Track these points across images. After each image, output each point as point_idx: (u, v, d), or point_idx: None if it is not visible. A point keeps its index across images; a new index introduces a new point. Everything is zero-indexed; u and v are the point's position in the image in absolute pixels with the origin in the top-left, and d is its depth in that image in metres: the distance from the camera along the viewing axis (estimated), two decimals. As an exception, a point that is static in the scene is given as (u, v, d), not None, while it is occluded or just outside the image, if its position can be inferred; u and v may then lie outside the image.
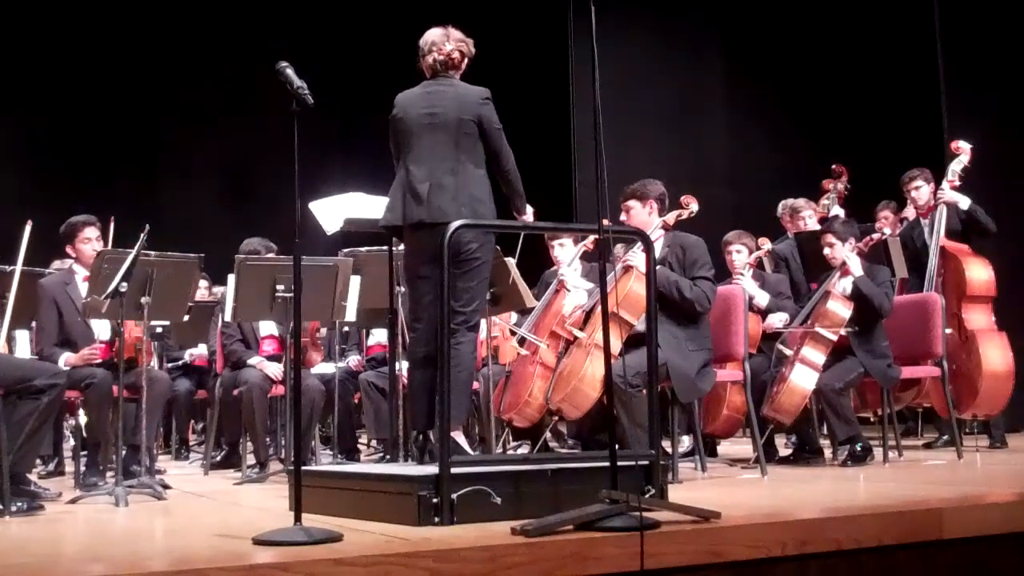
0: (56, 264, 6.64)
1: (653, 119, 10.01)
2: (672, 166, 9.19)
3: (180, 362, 7.73)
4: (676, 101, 10.23)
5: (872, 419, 6.65)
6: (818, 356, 5.53)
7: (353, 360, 7.26)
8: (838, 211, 7.42)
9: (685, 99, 10.28)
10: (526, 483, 3.50)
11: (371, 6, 11.16)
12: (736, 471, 5.63)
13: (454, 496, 3.34)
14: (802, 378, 5.49)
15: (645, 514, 3.07)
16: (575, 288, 5.68)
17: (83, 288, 5.30)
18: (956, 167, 6.62)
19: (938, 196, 6.65)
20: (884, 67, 9.36)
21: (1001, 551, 3.49)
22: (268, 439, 6.32)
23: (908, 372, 5.94)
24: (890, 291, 5.78)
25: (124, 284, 4.77)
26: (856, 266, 5.73)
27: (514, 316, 6.58)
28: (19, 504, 4.20)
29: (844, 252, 5.77)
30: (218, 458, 6.83)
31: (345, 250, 6.01)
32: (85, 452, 5.73)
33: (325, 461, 6.80)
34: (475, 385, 5.39)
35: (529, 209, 4.59)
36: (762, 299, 6.31)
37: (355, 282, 5.76)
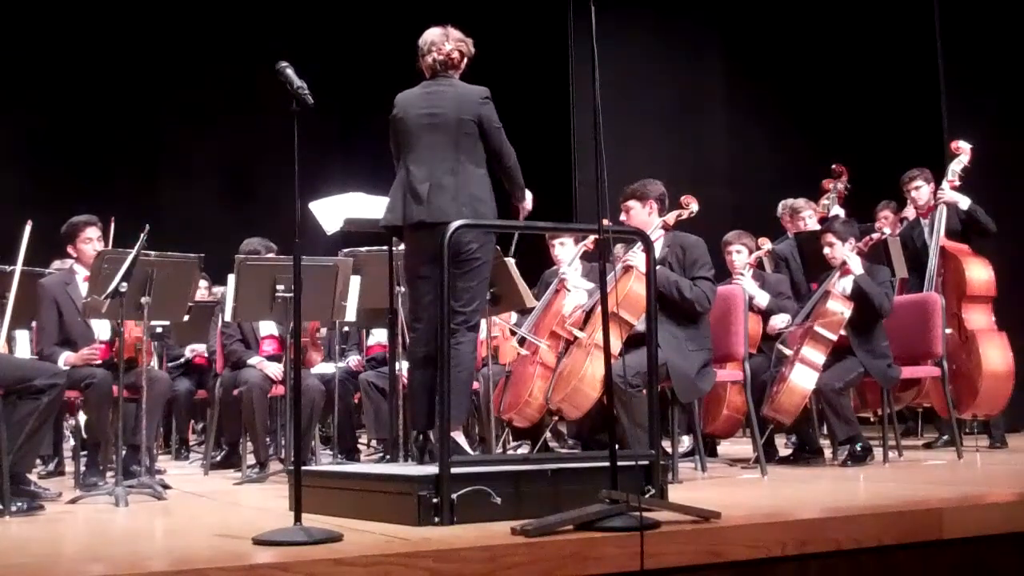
0: (56, 264, 6.64)
1: (653, 119, 10.01)
2: (672, 166, 9.19)
3: (182, 360, 7.73)
4: (676, 101, 10.23)
5: (872, 419, 6.66)
6: (818, 356, 5.53)
7: (353, 360, 7.26)
8: (838, 211, 7.42)
9: (685, 99, 10.28)
10: (526, 483, 3.50)
11: (371, 6, 11.16)
12: (736, 471, 5.63)
13: (454, 496, 3.34)
14: (802, 378, 5.49)
15: (645, 514, 3.07)
16: (575, 288, 5.68)
17: (84, 288, 5.30)
18: (956, 167, 6.62)
19: (938, 196, 6.65)
20: (884, 67, 9.36)
21: (1001, 551, 3.49)
22: (268, 439, 6.32)
23: (908, 372, 5.94)
24: (890, 291, 5.78)
25: (124, 284, 4.77)
26: (856, 265, 5.73)
27: (514, 316, 6.58)
28: (19, 504, 4.20)
29: (844, 252, 5.78)
30: (218, 458, 6.83)
31: (345, 250, 6.01)
32: (85, 452, 5.73)
33: (325, 461, 6.80)
34: (475, 385, 5.39)
35: (528, 195, 4.58)
36: (762, 299, 6.31)
37: (355, 282, 5.76)
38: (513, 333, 6.10)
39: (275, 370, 6.11)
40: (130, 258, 4.81)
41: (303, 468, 3.55)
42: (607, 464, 3.30)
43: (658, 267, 4.68)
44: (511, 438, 6.79)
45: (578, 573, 2.90)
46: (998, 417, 6.54)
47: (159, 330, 7.00)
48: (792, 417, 5.56)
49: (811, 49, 9.68)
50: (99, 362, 5.34)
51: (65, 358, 5.28)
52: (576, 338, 5.13)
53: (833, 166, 7.64)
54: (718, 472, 5.55)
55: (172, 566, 2.71)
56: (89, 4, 10.66)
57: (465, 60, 4.49)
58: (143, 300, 4.99)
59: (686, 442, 6.20)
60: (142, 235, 4.82)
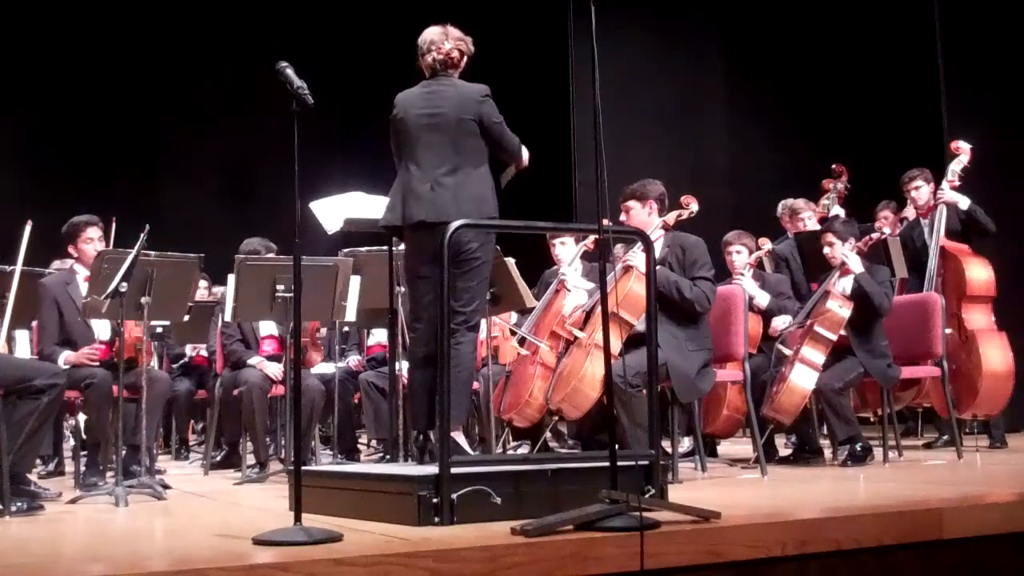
0: (56, 264, 6.64)
1: (653, 119, 10.01)
2: (672, 166, 9.19)
3: (184, 360, 7.73)
4: (676, 101, 10.23)
5: (872, 419, 6.65)
6: (818, 356, 5.53)
7: (353, 360, 7.26)
8: (838, 211, 7.42)
9: (685, 99, 10.28)
10: (526, 483, 3.50)
11: (371, 6, 11.16)
12: (736, 471, 5.63)
13: (454, 496, 3.34)
14: (802, 378, 5.49)
15: (645, 514, 3.07)
16: (575, 288, 5.68)
17: (84, 288, 5.30)
18: (956, 167, 6.62)
19: (938, 196, 6.65)
20: (884, 67, 9.36)
21: (1001, 551, 3.49)
22: (268, 439, 6.32)
23: (908, 372, 5.94)
24: (890, 290, 5.78)
25: (124, 284, 4.77)
26: (856, 264, 5.73)
27: (514, 316, 6.59)
28: (19, 504, 4.20)
29: (843, 251, 5.77)
30: (218, 458, 6.83)
31: (345, 250, 6.01)
32: (85, 452, 5.73)
33: (325, 461, 6.80)
34: (475, 385, 5.39)
35: (525, 153, 4.53)
36: (762, 299, 6.31)
37: (355, 282, 5.76)
38: (513, 333, 6.10)
39: (275, 370, 6.11)
40: (130, 258, 4.81)
41: (303, 468, 3.55)
42: (607, 464, 3.30)
43: (658, 267, 4.68)
44: (511, 438, 6.79)
45: (578, 573, 2.90)
46: (998, 417, 6.54)
47: (159, 330, 7.00)
48: (792, 417, 5.56)
49: (811, 49, 9.68)
50: (99, 362, 5.34)
51: (65, 357, 5.29)
52: (576, 338, 5.13)
53: (833, 166, 7.64)
54: (718, 472, 5.55)
55: (172, 566, 2.71)
56: (89, 4, 10.66)
57: (465, 59, 4.49)
58: (143, 300, 4.99)
59: (686, 442, 6.20)
60: (142, 235, 4.82)
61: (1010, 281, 6.75)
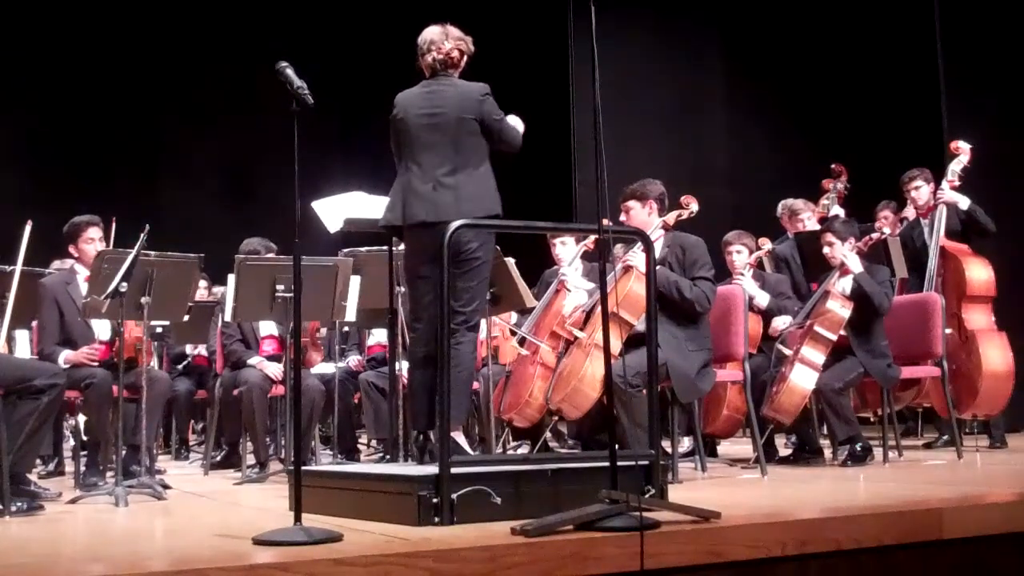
0: (56, 264, 6.64)
1: (653, 119, 10.01)
2: (672, 166, 9.19)
3: (186, 361, 7.72)
4: (676, 101, 10.23)
5: (872, 419, 6.65)
6: (818, 356, 5.53)
7: (353, 360, 7.27)
8: (838, 211, 7.42)
9: (685, 99, 10.28)
10: (526, 483, 3.50)
11: (371, 6, 11.16)
12: (736, 471, 5.63)
13: (454, 496, 3.34)
14: (802, 378, 5.49)
15: (645, 514, 3.07)
16: (575, 288, 5.68)
17: (85, 288, 5.30)
18: (956, 167, 6.62)
19: (938, 196, 6.65)
20: (884, 67, 9.36)
21: (1001, 551, 3.49)
22: (268, 439, 6.32)
23: (908, 372, 5.94)
24: (889, 290, 5.78)
25: (124, 284, 4.77)
26: (855, 264, 5.73)
27: (514, 316, 6.59)
28: (19, 504, 4.20)
29: (843, 251, 5.77)
30: (218, 458, 6.83)
31: (345, 250, 6.01)
32: (85, 452, 5.73)
33: (325, 461, 6.80)
34: (475, 385, 5.39)
35: (519, 125, 4.51)
36: (762, 299, 6.31)
37: (355, 282, 5.76)
38: (513, 333, 6.10)
39: (275, 370, 6.11)
40: (130, 258, 4.81)
41: (303, 468, 3.55)
42: (607, 464, 3.30)
43: (658, 267, 4.68)
44: (511, 438, 6.79)
45: (578, 573, 2.90)
46: (998, 417, 6.54)
47: (159, 330, 7.00)
48: (792, 417, 5.56)
49: (811, 49, 9.68)
50: (99, 362, 5.34)
51: (65, 356, 5.29)
52: (576, 338, 5.13)
53: (832, 166, 7.64)
54: (718, 472, 5.55)
55: (172, 566, 2.71)
56: (89, 4, 10.66)
57: (465, 58, 4.49)
58: (143, 300, 4.99)
59: (686, 442, 6.20)
60: (142, 235, 4.82)
61: (1010, 281, 6.75)
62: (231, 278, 5.53)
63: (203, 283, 7.46)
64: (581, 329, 5.13)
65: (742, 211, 8.69)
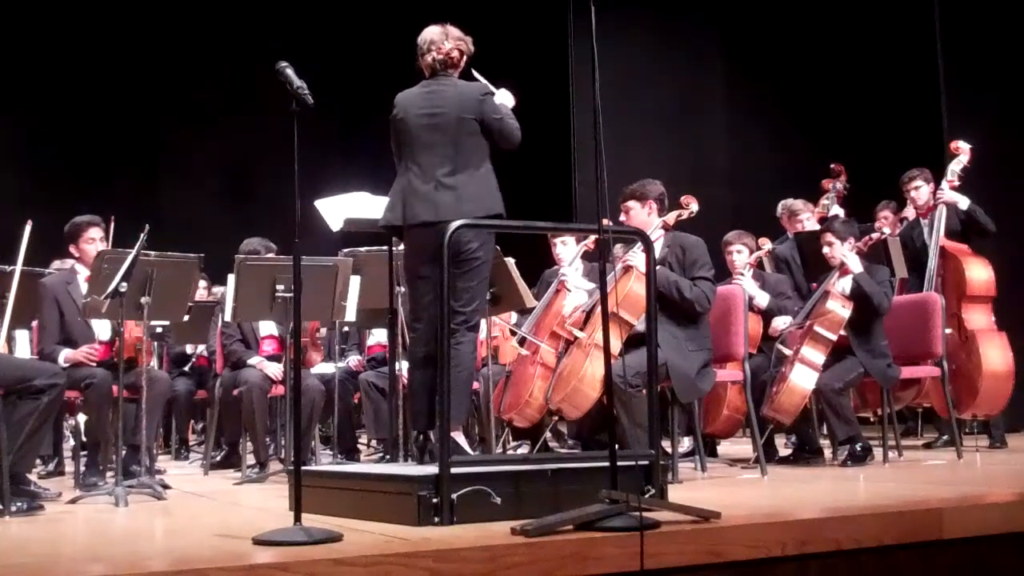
0: (56, 264, 6.64)
1: (653, 119, 10.01)
2: (672, 166, 9.19)
3: (190, 364, 7.71)
4: (676, 101, 10.23)
5: (872, 419, 6.65)
6: (818, 356, 5.53)
7: (353, 360, 7.27)
8: (838, 211, 7.42)
9: (685, 99, 10.28)
10: (526, 483, 3.50)
11: (371, 6, 11.16)
12: (736, 471, 5.63)
13: (454, 496, 3.34)
14: (802, 378, 5.49)
15: (645, 514, 3.07)
16: (575, 288, 5.68)
17: (85, 288, 5.30)
18: (956, 167, 6.62)
19: (937, 196, 6.65)
20: (884, 67, 9.36)
21: (1001, 551, 3.49)
22: (268, 439, 6.32)
23: (908, 372, 5.94)
24: (889, 290, 5.78)
25: (124, 284, 4.77)
26: (855, 264, 5.73)
27: (514, 316, 6.59)
28: (19, 504, 4.20)
29: (843, 251, 5.77)
30: (218, 458, 6.83)
31: (345, 250, 6.01)
32: (85, 452, 5.73)
33: (325, 461, 6.80)
34: (475, 385, 5.39)
35: (508, 97, 4.50)
36: (762, 299, 6.31)
37: (355, 282, 5.76)
38: (513, 333, 6.11)
39: (275, 370, 6.11)
40: (130, 258, 4.81)
41: (303, 468, 3.56)
42: (607, 464, 3.30)
43: (658, 267, 4.68)
44: (511, 438, 6.79)
45: (578, 573, 2.90)
46: (998, 417, 6.54)
47: (159, 330, 7.00)
48: (792, 417, 5.56)
49: (811, 49, 9.68)
50: (99, 362, 5.34)
51: (65, 355, 5.29)
52: (576, 338, 5.13)
53: (832, 165, 7.64)
54: (718, 472, 5.55)
55: (172, 566, 2.71)
56: (89, 4, 10.66)
57: (465, 59, 4.48)
58: (143, 300, 4.99)
59: (686, 442, 6.20)
60: (142, 235, 4.82)
61: (1010, 281, 6.75)
62: (231, 278, 5.53)
63: (203, 283, 7.47)
64: (581, 329, 5.13)
65: (742, 211, 8.69)
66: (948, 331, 6.12)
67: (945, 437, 6.67)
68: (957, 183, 6.62)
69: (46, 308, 5.46)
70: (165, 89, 11.03)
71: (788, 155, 9.62)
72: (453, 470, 3.39)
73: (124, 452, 4.93)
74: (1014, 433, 6.99)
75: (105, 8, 10.65)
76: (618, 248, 5.55)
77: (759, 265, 6.70)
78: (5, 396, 4.27)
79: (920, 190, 6.81)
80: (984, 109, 7.90)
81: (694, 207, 5.43)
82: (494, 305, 5.52)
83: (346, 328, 7.40)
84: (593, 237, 5.72)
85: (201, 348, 7.65)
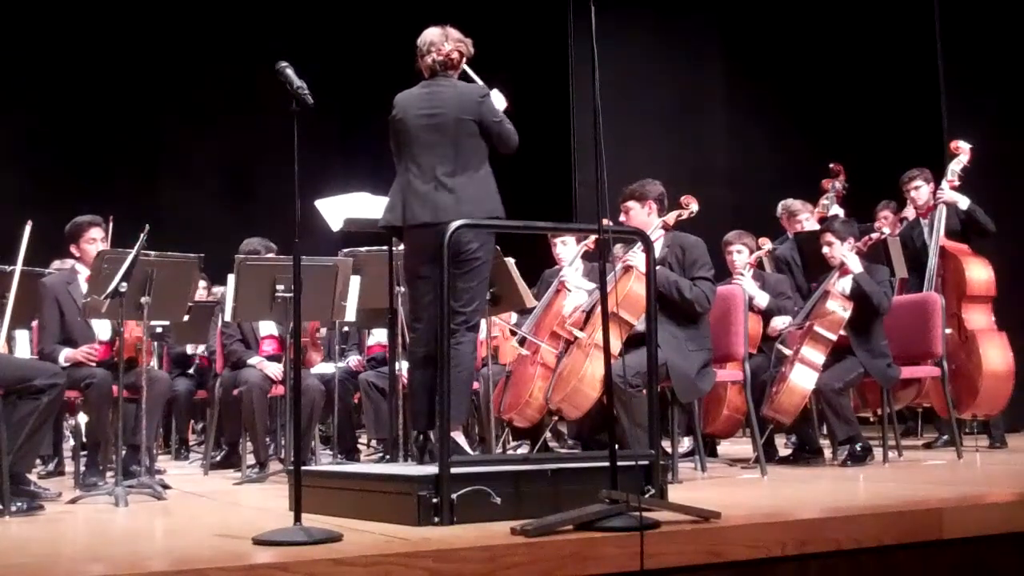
0: (56, 264, 6.64)
1: (653, 119, 10.01)
2: (672, 166, 9.19)
3: (193, 366, 7.71)
4: (676, 101, 10.23)
5: (872, 419, 6.65)
6: (817, 356, 5.53)
7: (353, 360, 7.27)
8: (837, 210, 7.42)
9: (685, 99, 10.28)
10: (526, 483, 3.50)
11: (371, 6, 11.16)
12: (736, 471, 5.63)
13: (454, 496, 3.34)
14: (802, 378, 5.49)
15: (645, 514, 3.07)
16: (575, 288, 5.68)
17: (85, 288, 5.30)
18: (956, 167, 6.62)
19: (937, 196, 6.65)
20: (884, 67, 9.35)
21: (1001, 551, 3.49)
22: (268, 439, 6.32)
23: (908, 372, 5.94)
24: (889, 290, 5.78)
25: (124, 284, 4.77)
26: (855, 263, 5.73)
27: (514, 316, 6.59)
28: (19, 504, 4.20)
29: (842, 251, 5.77)
30: (218, 458, 6.83)
31: (345, 250, 6.01)
32: (85, 452, 5.73)
33: (325, 461, 6.80)
34: (475, 385, 5.39)
35: (500, 99, 4.49)
36: (762, 299, 6.31)
37: (355, 282, 5.76)
38: (513, 333, 6.11)
39: (275, 370, 6.11)
40: (130, 258, 4.81)
41: (303, 468, 3.55)
42: (607, 464, 3.30)
43: (658, 267, 4.68)
44: (511, 438, 6.79)
45: (578, 573, 2.90)
46: (998, 417, 6.54)
47: (159, 330, 7.01)
48: (792, 417, 5.57)
49: (811, 49, 9.68)
50: (99, 362, 5.34)
51: (65, 355, 5.30)
52: (576, 338, 5.13)
53: (831, 165, 7.64)
54: (718, 472, 5.55)
55: (172, 566, 2.71)
56: (89, 4, 10.66)
57: (464, 60, 4.48)
58: (143, 300, 4.99)
59: (686, 442, 6.20)
60: (142, 235, 4.82)
61: (1010, 281, 6.75)
62: (231, 278, 5.53)
63: (203, 283, 7.46)
64: (581, 329, 5.13)
65: (742, 211, 8.69)
66: (948, 331, 6.12)
67: (945, 437, 6.67)
68: (957, 183, 6.62)
69: (46, 308, 5.46)
70: (165, 89, 11.03)
71: (788, 155, 9.62)
72: (453, 470, 3.39)
73: (124, 452, 4.93)
74: (1014, 433, 6.99)
75: (105, 8, 10.65)
76: (618, 248, 5.55)
77: (759, 265, 6.70)
78: (5, 396, 4.27)
79: (920, 190, 6.81)
80: (984, 109, 7.90)
81: (694, 207, 5.43)
82: (494, 305, 5.52)
83: (346, 328, 7.40)
84: (593, 237, 5.72)
85: (201, 348, 7.65)
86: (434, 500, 3.34)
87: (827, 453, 5.84)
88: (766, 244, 6.65)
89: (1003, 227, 6.74)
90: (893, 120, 9.06)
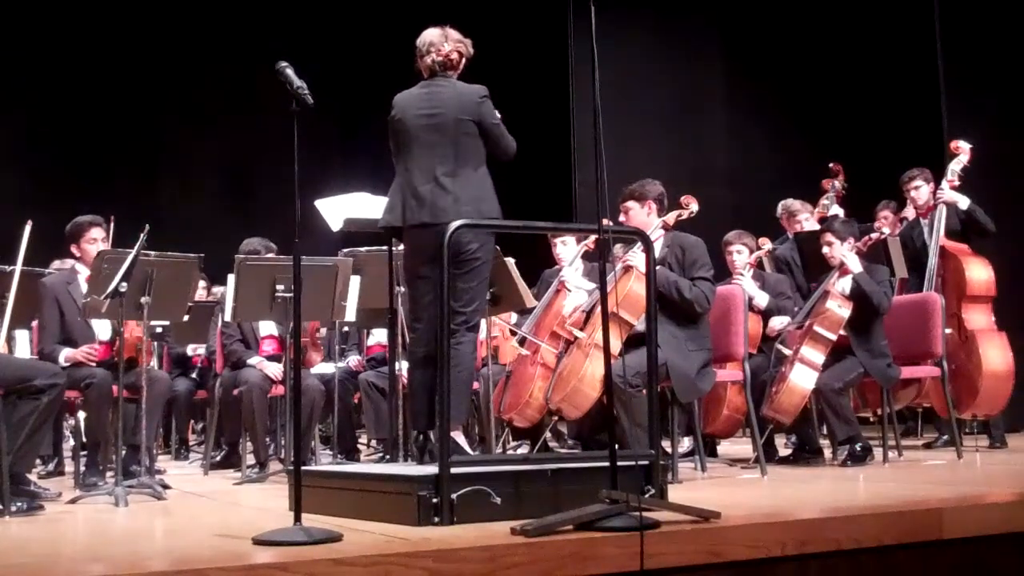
0: (56, 264, 6.64)
1: (653, 119, 10.01)
2: (672, 166, 9.19)
3: (197, 367, 7.70)
4: (676, 101, 10.24)
5: (872, 419, 6.66)
6: (817, 356, 5.53)
7: (353, 360, 7.27)
8: (837, 210, 7.43)
9: (685, 99, 10.29)
10: (526, 483, 3.50)
11: (371, 6, 11.16)
12: (736, 471, 5.63)
13: (454, 496, 3.34)
14: (802, 378, 5.49)
15: (645, 514, 3.07)
16: (575, 288, 5.68)
17: (85, 288, 5.30)
18: (956, 167, 6.63)
19: (937, 196, 6.65)
20: (884, 67, 9.36)
21: (1001, 551, 3.49)
22: (268, 439, 6.32)
23: (908, 372, 5.94)
24: (888, 290, 5.78)
25: (124, 284, 4.77)
26: (855, 263, 5.73)
27: (514, 316, 6.59)
28: (19, 504, 4.20)
29: (842, 251, 5.77)
30: (218, 458, 6.83)
31: (345, 250, 6.01)
32: (85, 452, 5.73)
33: (325, 461, 6.80)
34: (475, 385, 5.39)
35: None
36: (762, 300, 6.31)
37: (355, 282, 5.76)
38: (513, 333, 6.11)
39: (275, 370, 6.11)
40: (130, 258, 4.81)
41: (303, 468, 3.56)
42: (607, 464, 3.30)
43: (658, 267, 4.69)
44: (511, 438, 6.79)
45: (578, 573, 2.90)
46: (998, 417, 6.54)
47: (159, 330, 7.00)
48: (792, 417, 5.57)
49: (811, 49, 9.68)
50: (99, 362, 5.34)
51: (65, 354, 5.30)
52: (576, 338, 5.13)
53: (831, 165, 7.64)
54: (718, 472, 5.55)
55: (172, 566, 2.71)
56: (89, 4, 10.66)
57: (464, 61, 4.48)
58: (143, 300, 4.99)
59: (686, 442, 6.20)
60: (142, 235, 4.82)
61: (1010, 281, 6.75)
62: (231, 278, 5.53)
63: (202, 283, 7.46)
64: (581, 329, 5.13)
65: (742, 211, 8.69)
66: (948, 331, 6.12)
67: (945, 437, 6.67)
68: (957, 183, 6.62)
69: (46, 308, 5.46)
70: (165, 89, 11.04)
71: (788, 155, 9.63)
72: (453, 470, 3.39)
73: (124, 452, 4.93)
74: (1014, 433, 6.99)
75: (105, 8, 10.65)
76: (618, 248, 5.55)
77: (759, 265, 6.70)
78: (5, 396, 4.27)
79: (920, 190, 6.81)
80: (984, 109, 7.90)
81: (694, 207, 5.43)
82: (494, 305, 5.52)
83: (346, 328, 7.40)
84: (593, 237, 5.72)
85: (201, 349, 7.65)
86: (434, 500, 3.34)
87: (827, 453, 5.84)
88: (766, 244, 6.65)
89: (1003, 227, 6.74)
90: (893, 120, 9.07)
